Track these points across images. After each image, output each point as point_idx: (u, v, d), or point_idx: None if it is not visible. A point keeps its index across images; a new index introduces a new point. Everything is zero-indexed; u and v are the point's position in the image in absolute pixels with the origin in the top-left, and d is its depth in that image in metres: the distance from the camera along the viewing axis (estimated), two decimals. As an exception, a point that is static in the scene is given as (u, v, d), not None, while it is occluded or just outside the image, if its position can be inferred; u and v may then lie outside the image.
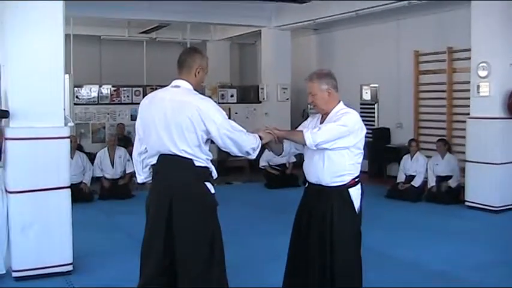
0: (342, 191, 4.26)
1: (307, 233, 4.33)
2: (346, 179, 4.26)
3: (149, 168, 4.14)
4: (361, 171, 4.39)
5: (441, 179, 10.26)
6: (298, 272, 4.37)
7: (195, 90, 4.04)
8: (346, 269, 4.24)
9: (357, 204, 4.32)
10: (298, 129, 4.52)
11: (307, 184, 4.48)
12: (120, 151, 11.12)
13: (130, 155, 11.05)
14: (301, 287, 4.34)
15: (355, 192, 4.31)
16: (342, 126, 4.15)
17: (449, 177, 10.21)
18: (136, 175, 4.31)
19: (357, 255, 4.35)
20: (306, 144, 4.17)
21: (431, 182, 10.36)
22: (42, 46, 6.02)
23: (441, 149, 10.38)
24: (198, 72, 4.06)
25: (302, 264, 4.34)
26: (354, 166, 4.29)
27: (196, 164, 3.90)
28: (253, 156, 4.13)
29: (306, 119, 4.69)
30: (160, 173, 4.00)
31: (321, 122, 4.36)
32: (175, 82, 4.06)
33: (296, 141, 4.31)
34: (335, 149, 4.17)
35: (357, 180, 4.33)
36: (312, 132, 4.14)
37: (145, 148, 4.13)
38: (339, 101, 4.37)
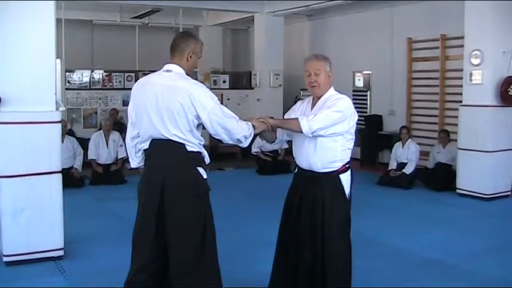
0: (333, 177, 4.28)
1: (297, 218, 4.34)
2: (338, 165, 4.29)
3: (142, 153, 4.12)
4: (353, 158, 4.41)
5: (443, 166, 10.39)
6: (288, 258, 4.39)
7: (187, 75, 4.01)
8: (338, 254, 4.26)
9: (347, 190, 4.34)
10: (287, 114, 4.54)
11: (297, 169, 4.49)
12: (114, 135, 11.14)
13: (123, 140, 11.14)
14: (292, 272, 4.35)
15: (345, 178, 4.33)
16: (337, 112, 4.16)
17: (449, 165, 10.30)
18: (130, 160, 4.30)
19: (347, 240, 4.37)
20: (302, 132, 4.16)
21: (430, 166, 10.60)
22: (33, 30, 5.96)
23: (443, 140, 10.48)
24: (190, 57, 4.02)
25: (292, 249, 4.36)
26: (345, 152, 4.31)
27: (189, 149, 3.88)
28: (245, 144, 4.10)
29: (294, 103, 4.68)
30: (152, 158, 3.99)
31: (312, 106, 4.37)
32: (167, 66, 4.03)
33: (291, 129, 4.29)
34: (329, 135, 4.17)
35: (347, 166, 4.36)
36: (307, 120, 4.13)
37: (138, 133, 4.11)
38: (331, 86, 4.38)
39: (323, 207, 4.23)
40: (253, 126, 4.09)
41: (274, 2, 13.75)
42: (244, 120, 4.09)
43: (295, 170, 4.53)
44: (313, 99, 4.43)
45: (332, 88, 4.39)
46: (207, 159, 4.03)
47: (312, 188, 4.29)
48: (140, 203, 4.02)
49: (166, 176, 3.86)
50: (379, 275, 5.69)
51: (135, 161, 4.24)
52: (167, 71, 4.00)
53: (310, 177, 4.31)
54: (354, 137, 4.37)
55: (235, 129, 3.96)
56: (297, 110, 4.48)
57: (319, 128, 4.12)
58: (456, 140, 9.93)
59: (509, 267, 6.01)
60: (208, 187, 3.98)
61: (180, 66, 4.00)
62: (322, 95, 4.33)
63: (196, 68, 4.20)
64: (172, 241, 3.85)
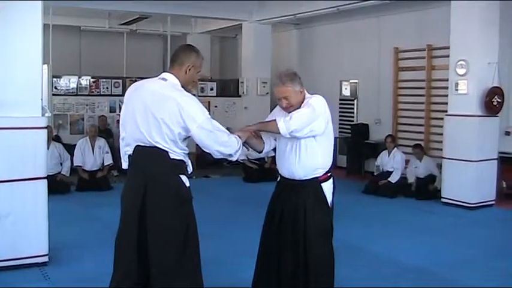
0: (315, 185, 4.31)
1: (279, 225, 4.36)
2: (319, 172, 4.32)
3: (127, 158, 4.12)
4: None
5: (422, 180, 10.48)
6: (270, 267, 4.40)
7: (182, 87, 4.01)
8: (320, 262, 4.29)
9: (329, 198, 4.36)
10: (267, 119, 4.53)
11: (279, 177, 4.52)
12: (100, 142, 11.14)
13: (110, 146, 11.14)
14: (274, 278, 4.37)
15: (327, 187, 4.36)
16: (311, 110, 4.17)
17: (429, 178, 10.38)
18: (122, 160, 4.26)
19: (329, 249, 4.39)
20: (280, 133, 4.18)
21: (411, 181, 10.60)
22: (20, 35, 5.95)
23: (418, 154, 10.58)
24: (189, 70, 4.03)
25: (274, 256, 4.37)
26: (326, 160, 4.35)
27: (172, 156, 3.88)
28: (234, 158, 4.09)
29: (274, 107, 4.69)
30: (135, 164, 3.98)
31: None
32: (163, 75, 4.04)
33: (270, 131, 4.30)
34: (307, 136, 4.19)
35: (329, 174, 4.39)
36: (284, 120, 4.13)
37: None
38: (304, 98, 4.37)
39: (305, 215, 4.26)
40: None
41: (262, 10, 13.79)
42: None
43: (277, 178, 4.56)
44: None
45: (305, 95, 4.38)
46: (190, 169, 4.02)
47: (294, 196, 4.32)
48: (122, 209, 4.02)
49: (148, 182, 3.86)
50: (363, 283, 5.70)
51: (126, 162, 4.21)
52: (163, 79, 4.01)
53: (293, 186, 4.35)
54: (332, 141, 4.40)
55: (225, 143, 3.96)
56: (276, 115, 4.50)
57: (296, 129, 4.12)
58: (441, 150, 10.00)
59: (492, 276, 6.04)
60: (190, 195, 3.98)
61: (176, 77, 4.00)
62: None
63: (194, 82, 4.20)
64: (152, 247, 3.84)
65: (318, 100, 4.28)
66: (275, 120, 4.21)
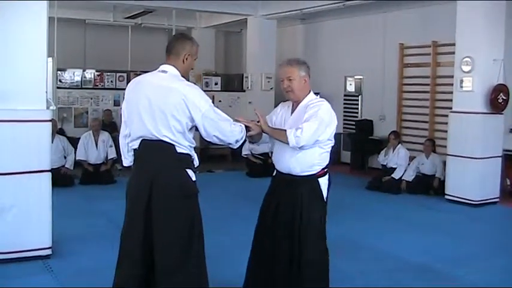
0: (312, 180, 4.31)
1: (274, 220, 4.36)
2: (316, 169, 4.31)
3: (133, 152, 4.11)
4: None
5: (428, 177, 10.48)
6: (265, 261, 4.39)
7: (182, 76, 4.01)
8: (315, 257, 4.28)
9: (325, 193, 4.36)
10: (269, 117, 4.53)
11: (275, 172, 4.51)
12: (104, 135, 11.14)
13: (114, 140, 11.13)
14: (267, 273, 4.36)
15: (323, 182, 4.35)
16: (320, 123, 4.16)
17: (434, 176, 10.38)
18: (123, 158, 4.26)
19: (324, 243, 4.38)
20: (288, 144, 4.17)
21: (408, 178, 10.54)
22: (25, 28, 5.95)
23: (429, 149, 10.51)
24: (186, 59, 4.04)
25: (268, 251, 4.36)
26: (324, 156, 4.33)
27: (179, 150, 3.88)
28: (235, 147, 4.11)
29: (277, 106, 4.68)
30: (141, 158, 3.97)
31: (292, 111, 4.39)
32: (162, 67, 4.04)
33: (280, 140, 4.28)
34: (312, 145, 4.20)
35: (326, 170, 4.37)
36: (295, 135, 4.11)
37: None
38: (310, 91, 4.39)
39: (301, 211, 4.25)
40: (247, 127, 4.10)
41: (267, 4, 13.76)
42: (237, 119, 4.11)
43: (273, 173, 4.55)
44: (292, 104, 4.43)
45: (311, 93, 4.40)
46: (197, 162, 4.03)
47: (290, 192, 4.31)
48: (128, 203, 4.01)
49: (154, 177, 3.85)
50: (365, 278, 5.70)
51: (128, 159, 4.19)
52: (162, 71, 4.01)
53: (289, 181, 4.34)
54: (333, 141, 4.37)
55: (228, 132, 3.97)
56: (278, 113, 4.51)
57: (305, 145, 4.13)
58: (445, 147, 9.98)
59: (495, 274, 6.05)
60: (196, 189, 3.97)
61: (176, 68, 4.00)
62: (301, 101, 4.34)
63: (192, 69, 4.21)
64: (158, 242, 3.84)
65: (326, 110, 4.26)
66: (285, 131, 4.19)
